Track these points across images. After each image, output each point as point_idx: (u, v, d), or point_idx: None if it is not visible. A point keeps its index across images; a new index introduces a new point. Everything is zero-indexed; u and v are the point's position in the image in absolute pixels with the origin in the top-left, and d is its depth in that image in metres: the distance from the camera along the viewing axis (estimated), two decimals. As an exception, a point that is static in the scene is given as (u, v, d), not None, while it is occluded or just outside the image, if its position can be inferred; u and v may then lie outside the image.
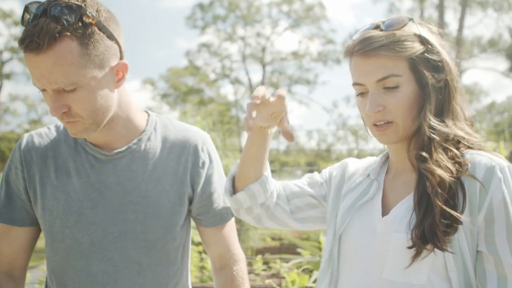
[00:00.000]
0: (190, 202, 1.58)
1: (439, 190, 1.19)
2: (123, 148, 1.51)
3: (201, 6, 38.25)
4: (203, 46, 38.87)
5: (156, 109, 39.21)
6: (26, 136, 1.55)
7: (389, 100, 1.27)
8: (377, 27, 1.32)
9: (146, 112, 1.61)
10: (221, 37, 38.70)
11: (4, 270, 1.54)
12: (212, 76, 39.39)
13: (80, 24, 1.29)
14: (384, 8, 36.49)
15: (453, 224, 1.18)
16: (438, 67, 1.30)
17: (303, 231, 6.89)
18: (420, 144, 1.27)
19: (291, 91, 39.53)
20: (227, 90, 62.98)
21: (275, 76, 39.39)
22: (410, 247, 1.20)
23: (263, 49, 38.65)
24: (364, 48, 1.28)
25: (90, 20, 1.31)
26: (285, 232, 6.76)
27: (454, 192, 1.20)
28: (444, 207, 1.18)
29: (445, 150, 1.26)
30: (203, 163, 1.59)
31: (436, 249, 1.18)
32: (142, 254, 1.49)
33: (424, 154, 1.25)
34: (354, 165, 1.54)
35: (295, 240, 6.28)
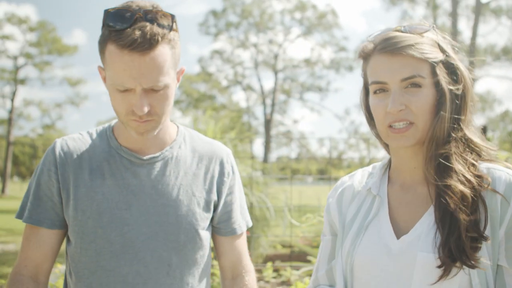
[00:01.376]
0: (214, 209, 1.65)
1: (463, 207, 1.17)
2: (157, 154, 1.59)
3: (214, 13, 38.44)
4: (216, 52, 39.04)
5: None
6: (59, 141, 1.60)
7: (411, 100, 1.26)
8: (397, 30, 1.32)
9: (174, 123, 1.71)
10: (234, 44, 38.87)
11: (30, 274, 1.54)
12: (224, 83, 39.56)
13: (172, 30, 1.43)
14: (396, 15, 36.45)
15: (479, 240, 1.16)
16: (456, 75, 1.30)
17: (313, 238, 6.86)
18: (437, 153, 1.25)
19: (303, 98, 39.53)
20: (239, 97, 63.23)
21: (287, 83, 39.45)
22: (439, 267, 1.16)
23: (276, 56, 38.73)
24: (390, 46, 1.27)
25: (176, 27, 1.46)
26: (296, 240, 6.73)
27: (476, 207, 1.18)
28: (469, 223, 1.16)
29: (464, 160, 1.24)
30: (228, 174, 1.69)
31: (465, 267, 1.15)
32: (172, 255, 1.53)
33: (443, 165, 1.23)
34: (348, 182, 1.50)
35: (306, 248, 6.26)
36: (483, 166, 1.26)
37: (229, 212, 1.68)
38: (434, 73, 1.27)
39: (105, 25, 1.41)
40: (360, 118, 43.18)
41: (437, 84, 1.27)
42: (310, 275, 5.23)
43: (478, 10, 29.69)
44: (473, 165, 1.24)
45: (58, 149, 1.56)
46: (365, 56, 1.35)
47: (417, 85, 1.26)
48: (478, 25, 29.62)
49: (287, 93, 39.15)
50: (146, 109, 1.40)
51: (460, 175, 1.21)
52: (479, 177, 1.22)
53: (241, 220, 1.72)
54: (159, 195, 1.55)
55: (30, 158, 47.85)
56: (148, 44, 1.36)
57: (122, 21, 1.39)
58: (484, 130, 1.37)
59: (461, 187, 1.18)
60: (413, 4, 33.63)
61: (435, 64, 1.27)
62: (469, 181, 1.20)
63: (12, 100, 37.41)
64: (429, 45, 1.28)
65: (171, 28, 1.42)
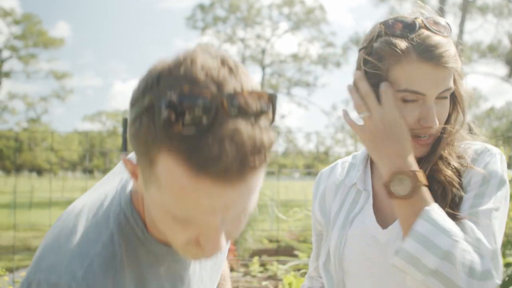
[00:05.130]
0: None
1: (447, 190, 1.18)
2: None
3: (201, 7, 38.28)
4: (203, 47, 38.87)
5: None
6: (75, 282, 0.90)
7: (441, 112, 1.21)
8: (424, 27, 1.20)
9: None
10: (221, 39, 38.76)
11: None
12: (212, 77, 39.42)
13: None
14: (384, 11, 36.54)
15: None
16: (458, 74, 1.25)
17: (300, 232, 6.87)
18: (432, 146, 1.25)
19: (290, 93, 39.58)
20: (226, 92, 63.11)
21: (274, 78, 39.46)
22: None
23: (263, 51, 38.70)
24: (437, 57, 1.17)
25: None
26: (282, 234, 6.75)
27: (456, 191, 1.19)
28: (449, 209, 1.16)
29: (452, 152, 1.24)
30: None
31: None
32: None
33: (436, 155, 1.23)
34: (329, 179, 1.47)
35: (292, 242, 6.27)
36: (465, 144, 1.28)
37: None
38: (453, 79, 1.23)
39: None
40: (347, 113, 43.38)
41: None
42: (297, 270, 5.27)
43: (465, 8, 29.93)
44: (460, 154, 1.25)
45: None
46: (397, 55, 1.19)
47: (446, 96, 1.22)
48: (465, 23, 29.88)
49: (274, 88, 39.14)
50: (223, 246, 0.89)
51: (449, 161, 1.22)
52: (459, 157, 1.24)
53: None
54: (204, 280, 1.15)
55: (15, 152, 47.42)
56: (248, 168, 0.78)
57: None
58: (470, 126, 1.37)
59: (449, 172, 1.20)
60: (401, 1, 33.79)
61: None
62: (455, 168, 1.22)
63: (-3, 93, 37.02)
64: (455, 52, 1.22)
65: None
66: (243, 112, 0.75)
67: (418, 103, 1.19)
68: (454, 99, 1.26)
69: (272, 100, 0.79)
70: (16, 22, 37.02)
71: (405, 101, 1.20)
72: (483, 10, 32.23)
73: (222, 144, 0.73)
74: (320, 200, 1.46)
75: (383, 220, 1.28)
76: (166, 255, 1.02)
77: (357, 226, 1.31)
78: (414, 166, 1.16)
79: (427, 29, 1.20)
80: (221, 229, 0.84)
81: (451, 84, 1.20)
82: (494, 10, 32.19)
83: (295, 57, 38.78)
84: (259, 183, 0.84)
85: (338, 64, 38.38)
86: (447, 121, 1.25)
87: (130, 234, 0.98)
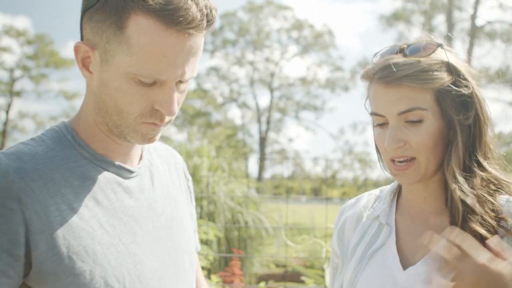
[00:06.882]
0: None
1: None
2: (143, 162, 1.20)
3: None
4: (212, 69, 39.18)
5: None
6: (3, 159, 0.99)
7: (411, 135, 1.14)
8: (400, 51, 1.19)
9: None
10: (230, 61, 38.99)
11: None
12: (220, 100, 39.62)
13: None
14: (392, 37, 36.73)
15: None
16: (466, 101, 1.17)
17: (307, 258, 6.81)
18: (457, 192, 1.12)
19: (298, 116, 39.65)
20: (234, 114, 63.35)
21: (282, 101, 39.55)
22: None
23: (272, 74, 38.87)
24: (386, 76, 1.14)
25: None
26: (289, 259, 6.69)
27: None
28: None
29: (484, 201, 1.12)
30: (189, 179, 1.40)
31: None
32: (179, 285, 1.21)
33: (464, 206, 1.11)
34: (352, 210, 1.40)
35: (299, 268, 6.21)
36: (503, 199, 1.16)
37: (195, 225, 1.38)
38: (439, 102, 1.15)
39: None
40: (354, 138, 43.44)
41: (443, 113, 1.16)
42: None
43: (473, 33, 30.04)
44: (496, 209, 1.13)
45: (11, 173, 0.97)
46: (367, 80, 1.23)
47: (417, 119, 1.15)
48: (473, 48, 29.93)
49: (283, 111, 39.25)
50: (177, 108, 1.04)
51: (481, 218, 1.10)
52: (499, 219, 1.12)
53: (196, 234, 1.41)
54: (158, 215, 1.18)
55: (23, 171, 47.53)
56: (206, 21, 0.99)
57: None
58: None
59: (482, 231, 1.08)
60: (409, 26, 33.95)
61: (441, 91, 1.15)
62: (491, 226, 1.10)
63: (7, 112, 37.32)
64: (434, 69, 1.15)
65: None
66: None
67: (387, 126, 1.18)
68: (450, 127, 1.17)
69: None
70: (29, 43, 37.50)
71: (377, 125, 1.21)
72: (491, 36, 32.29)
73: (186, 2, 0.94)
74: (339, 231, 1.39)
75: (404, 260, 1.21)
76: (113, 178, 1.11)
77: (376, 263, 1.24)
78: None
79: (402, 53, 1.19)
80: (175, 91, 1.02)
81: (417, 104, 1.14)
82: (502, 36, 32.25)
83: (303, 80, 38.89)
84: (200, 52, 1.04)
85: (346, 88, 38.47)
86: (449, 146, 1.16)
87: (66, 143, 1.10)
